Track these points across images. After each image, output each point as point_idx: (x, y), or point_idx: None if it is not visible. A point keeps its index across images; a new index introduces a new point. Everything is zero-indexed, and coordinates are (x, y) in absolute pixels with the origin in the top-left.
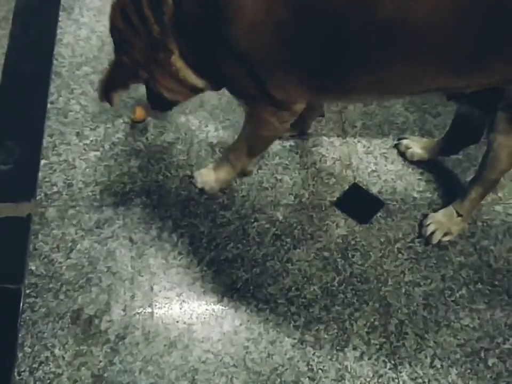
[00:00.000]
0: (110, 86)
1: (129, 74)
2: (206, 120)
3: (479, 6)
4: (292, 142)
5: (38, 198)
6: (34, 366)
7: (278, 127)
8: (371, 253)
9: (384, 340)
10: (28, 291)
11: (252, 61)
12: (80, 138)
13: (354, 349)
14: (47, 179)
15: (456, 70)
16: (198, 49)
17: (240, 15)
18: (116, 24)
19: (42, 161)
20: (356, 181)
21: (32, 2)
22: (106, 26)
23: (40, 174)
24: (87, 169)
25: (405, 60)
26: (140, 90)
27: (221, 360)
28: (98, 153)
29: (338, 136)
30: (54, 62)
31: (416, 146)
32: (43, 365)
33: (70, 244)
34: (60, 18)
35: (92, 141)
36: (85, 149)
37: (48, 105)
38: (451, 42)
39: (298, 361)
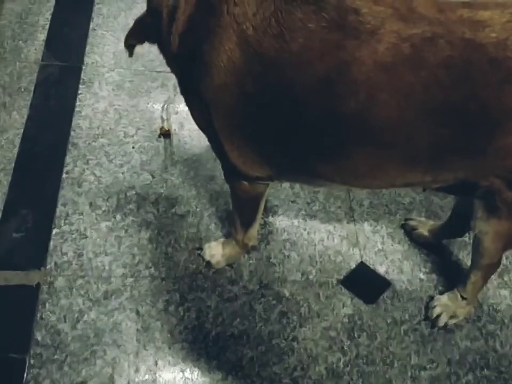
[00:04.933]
0: (131, 35)
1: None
2: (217, 194)
3: (442, 107)
4: (300, 219)
5: (48, 267)
6: None
7: (249, 190)
8: (377, 334)
9: None
10: (32, 361)
11: (214, 117)
12: (92, 208)
13: None
14: (58, 248)
15: (419, 167)
16: (181, 81)
17: (214, 72)
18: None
19: (54, 230)
20: (363, 260)
21: (54, 75)
22: (123, 100)
23: (51, 242)
24: (98, 240)
25: (366, 153)
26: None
27: None
28: (109, 223)
29: (345, 214)
30: (72, 133)
31: (422, 228)
32: None
33: (77, 315)
34: (79, 91)
35: (104, 211)
36: (96, 219)
37: (64, 175)
38: (413, 141)
39: None
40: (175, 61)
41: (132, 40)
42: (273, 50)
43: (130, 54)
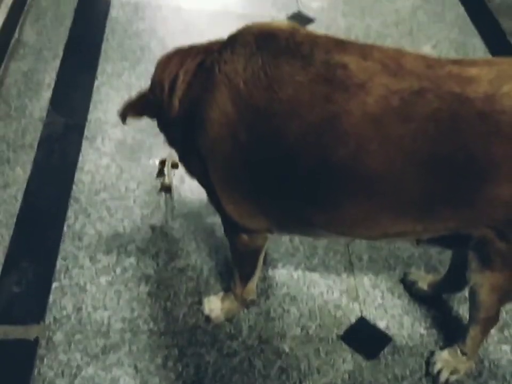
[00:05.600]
0: (130, 108)
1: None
2: (217, 248)
3: (430, 158)
4: (299, 273)
5: (47, 321)
6: None
7: (248, 242)
8: None
9: None
10: None
11: (211, 170)
12: (93, 262)
13: None
14: (57, 302)
15: (410, 216)
16: (180, 145)
17: (209, 126)
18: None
19: (54, 284)
20: (363, 314)
21: (58, 131)
22: (126, 156)
23: (51, 296)
24: (97, 294)
25: (358, 202)
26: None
27: None
28: (109, 277)
29: (345, 268)
30: (74, 187)
31: (422, 282)
32: None
33: (74, 370)
34: (82, 147)
35: (104, 265)
36: (96, 273)
37: (65, 229)
38: (403, 190)
39: None
40: (175, 125)
41: (131, 112)
42: (264, 100)
43: (123, 122)
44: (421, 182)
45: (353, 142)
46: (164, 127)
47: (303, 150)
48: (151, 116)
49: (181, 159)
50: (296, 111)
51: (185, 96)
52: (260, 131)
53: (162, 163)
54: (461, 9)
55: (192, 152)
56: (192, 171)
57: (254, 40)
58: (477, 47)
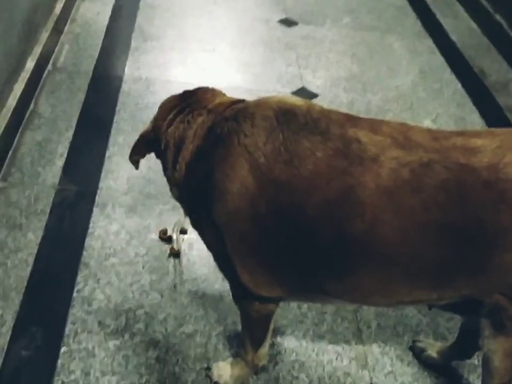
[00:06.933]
0: (136, 150)
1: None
2: (225, 314)
3: (442, 227)
4: (308, 340)
5: None
6: None
7: (259, 308)
8: None
9: None
10: None
11: (228, 240)
12: (101, 326)
13: None
14: (65, 367)
15: (425, 284)
16: (190, 207)
17: (228, 198)
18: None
19: (63, 349)
20: (373, 382)
21: (70, 198)
22: (135, 222)
23: (59, 361)
24: (106, 358)
25: (374, 271)
26: None
27: None
28: (118, 342)
29: (353, 335)
30: (84, 253)
31: (431, 349)
32: None
33: None
34: (93, 214)
35: (112, 330)
36: (105, 338)
37: (74, 294)
38: (417, 259)
39: None
40: (181, 188)
41: (136, 155)
42: (284, 175)
43: (136, 167)
44: (435, 250)
45: (369, 213)
46: (169, 181)
47: (321, 221)
48: (155, 154)
49: (192, 220)
50: (315, 185)
51: (195, 162)
52: (280, 204)
53: (171, 229)
54: (458, 85)
55: (204, 218)
56: (204, 234)
57: (274, 115)
58: (475, 122)
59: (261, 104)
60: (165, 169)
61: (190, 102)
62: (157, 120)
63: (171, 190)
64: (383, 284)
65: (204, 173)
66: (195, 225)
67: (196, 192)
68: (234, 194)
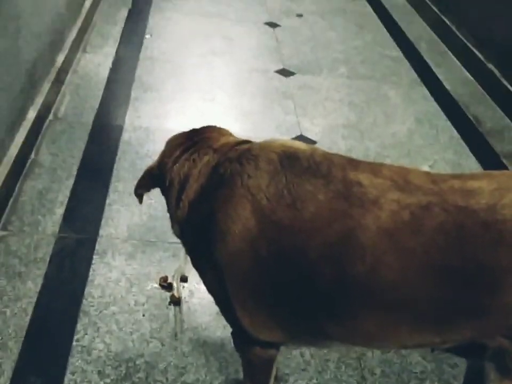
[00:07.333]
0: (141, 187)
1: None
2: (226, 362)
3: (442, 269)
4: None
5: None
6: None
7: (261, 353)
8: None
9: None
10: None
11: (228, 281)
12: (101, 376)
13: None
14: None
15: (427, 328)
16: (191, 246)
17: (229, 239)
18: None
19: None
20: None
21: (70, 246)
22: (135, 270)
23: None
24: None
25: (375, 314)
26: None
27: None
28: None
29: (358, 383)
30: (84, 301)
31: None
32: None
33: None
34: (93, 261)
35: (112, 379)
36: None
37: (74, 343)
38: (418, 302)
39: None
40: (183, 226)
41: (141, 190)
42: (287, 218)
43: (140, 202)
44: (436, 293)
45: (369, 255)
46: (171, 218)
47: (322, 264)
48: (161, 190)
49: (192, 259)
50: (317, 227)
51: (198, 201)
52: (282, 246)
53: (172, 276)
54: (454, 132)
55: (205, 258)
56: (204, 275)
57: (278, 159)
58: (472, 167)
59: (265, 147)
60: (168, 206)
61: (196, 140)
62: (163, 156)
63: (173, 227)
64: (384, 326)
65: (207, 212)
66: (196, 265)
67: (198, 232)
68: (236, 236)
